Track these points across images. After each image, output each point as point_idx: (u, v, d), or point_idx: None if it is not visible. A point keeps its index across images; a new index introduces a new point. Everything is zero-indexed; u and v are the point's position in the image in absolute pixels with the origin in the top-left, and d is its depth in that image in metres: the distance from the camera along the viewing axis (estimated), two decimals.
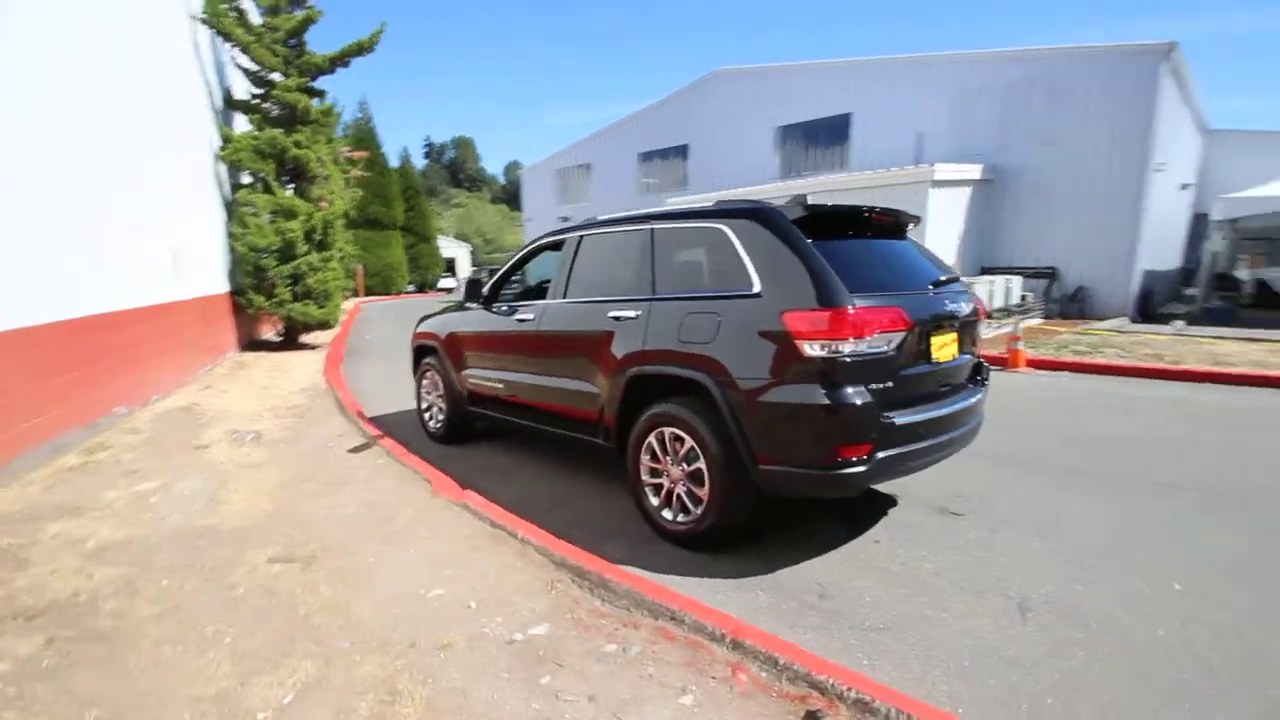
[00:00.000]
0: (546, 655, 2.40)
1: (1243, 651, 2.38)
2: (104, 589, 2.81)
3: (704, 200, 17.19)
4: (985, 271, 15.32)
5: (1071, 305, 14.55)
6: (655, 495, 3.48)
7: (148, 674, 2.22)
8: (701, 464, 3.17)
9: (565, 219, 27.66)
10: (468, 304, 5.25)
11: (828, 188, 15.72)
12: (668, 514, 3.41)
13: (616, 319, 3.62)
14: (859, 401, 2.78)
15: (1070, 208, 14.85)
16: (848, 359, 2.78)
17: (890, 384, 2.92)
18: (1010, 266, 15.33)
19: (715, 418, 3.10)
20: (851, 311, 2.78)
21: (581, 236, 4.18)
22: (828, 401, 2.77)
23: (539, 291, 5.20)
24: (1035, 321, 13.27)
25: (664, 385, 3.42)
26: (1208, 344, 9.09)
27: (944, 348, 3.24)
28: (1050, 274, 15.00)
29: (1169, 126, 14.52)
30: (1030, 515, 3.66)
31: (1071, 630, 2.54)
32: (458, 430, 5.43)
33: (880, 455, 2.86)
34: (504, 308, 4.73)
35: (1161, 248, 16.43)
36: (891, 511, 3.76)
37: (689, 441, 3.22)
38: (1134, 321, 13.69)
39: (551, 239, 4.54)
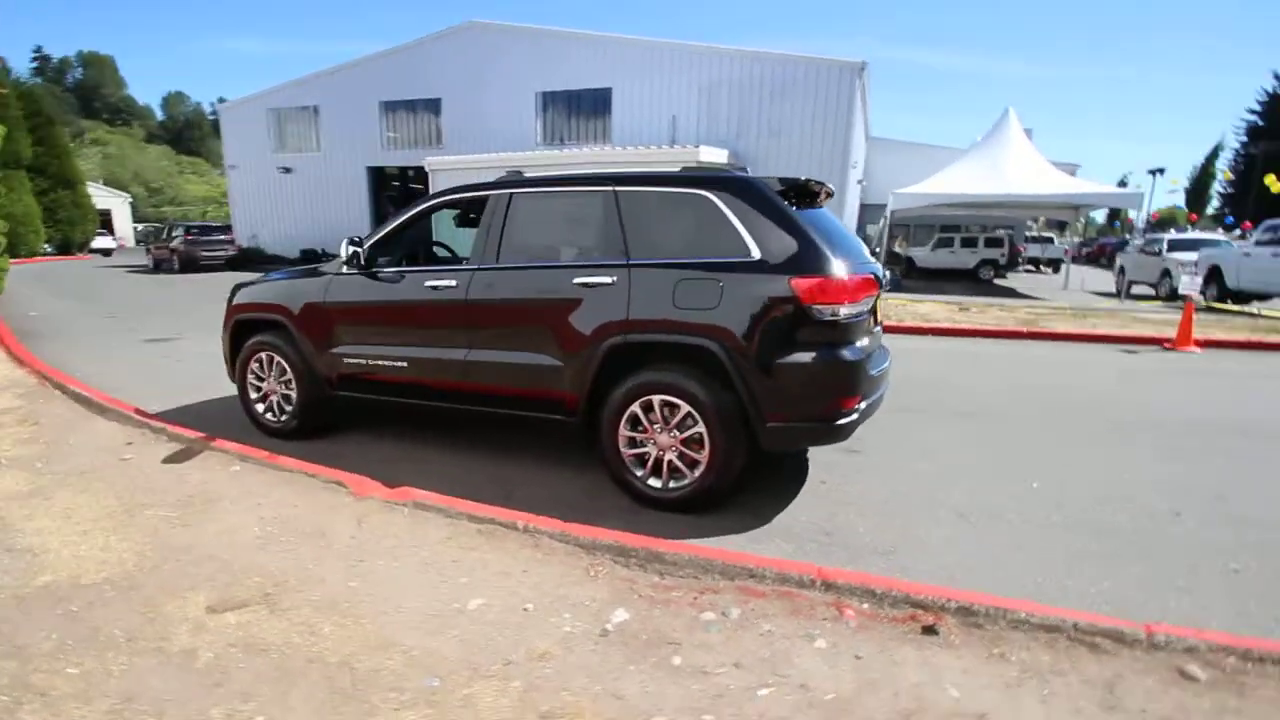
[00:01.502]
0: (653, 639, 2.30)
1: (1105, 523, 3.33)
2: None
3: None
4: None
5: None
6: (639, 466, 3.43)
7: None
8: (701, 428, 3.23)
9: (287, 169, 23.72)
10: (323, 269, 4.38)
11: (598, 160, 16.17)
12: (655, 482, 3.40)
13: (586, 285, 3.42)
14: (858, 358, 3.13)
15: None
16: (845, 320, 3.10)
17: (866, 341, 3.34)
18: None
19: (718, 382, 3.18)
20: (847, 277, 3.09)
21: (512, 195, 3.78)
22: (835, 359, 3.06)
23: (431, 255, 4.61)
24: None
25: (646, 353, 3.37)
26: (911, 305, 11.81)
27: (878, 309, 3.77)
28: None
29: (858, 131, 18.11)
30: (904, 445, 4.48)
31: (1004, 526, 3.27)
32: (314, 421, 4.53)
33: (862, 405, 3.27)
34: (395, 274, 4.05)
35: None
36: (809, 456, 4.27)
37: (684, 407, 3.25)
38: None
39: (460, 196, 4.03)
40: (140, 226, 45.20)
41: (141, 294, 14.60)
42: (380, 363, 4.07)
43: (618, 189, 3.50)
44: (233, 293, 4.74)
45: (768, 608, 2.46)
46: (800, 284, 3.04)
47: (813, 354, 3.06)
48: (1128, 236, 32.03)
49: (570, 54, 19.21)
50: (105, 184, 44.46)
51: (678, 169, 3.53)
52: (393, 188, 25.94)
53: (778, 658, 2.18)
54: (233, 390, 5.35)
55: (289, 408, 4.50)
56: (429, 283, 3.87)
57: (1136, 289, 16.05)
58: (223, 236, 21.65)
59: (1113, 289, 17.44)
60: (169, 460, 4.01)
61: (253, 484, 3.61)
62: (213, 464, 3.92)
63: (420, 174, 21.97)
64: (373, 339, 4.11)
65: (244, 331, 4.63)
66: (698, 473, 3.29)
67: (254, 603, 2.43)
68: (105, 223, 36.47)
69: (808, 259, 3.08)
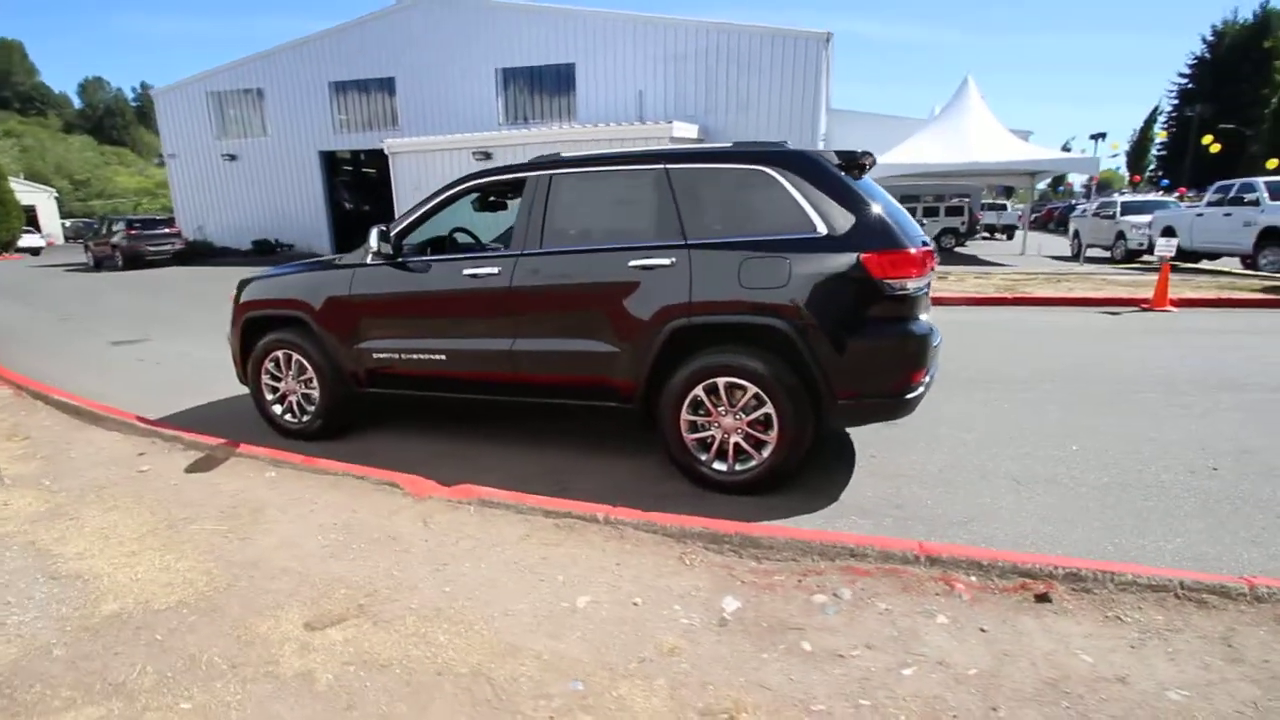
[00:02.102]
0: (773, 625, 2.28)
1: (1152, 482, 3.45)
2: None
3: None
4: None
5: None
6: (703, 450, 3.39)
7: None
8: (768, 408, 3.19)
9: (232, 156, 22.52)
10: (344, 260, 4.16)
11: (568, 138, 15.82)
12: (720, 466, 3.37)
13: (643, 268, 3.32)
14: (925, 331, 3.14)
15: None
16: (913, 293, 3.10)
17: (928, 314, 3.35)
18: None
19: (784, 360, 3.15)
20: (914, 250, 3.08)
21: (552, 176, 3.64)
22: (906, 333, 3.07)
23: (454, 241, 4.43)
24: None
25: (705, 336, 3.30)
26: None
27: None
28: None
29: (824, 103, 18.18)
30: (935, 416, 4.52)
31: (1061, 490, 3.35)
32: (341, 420, 4.34)
33: (927, 379, 3.29)
34: (427, 263, 3.88)
35: None
36: (850, 431, 4.30)
37: (751, 389, 3.20)
38: None
39: (493, 180, 3.86)
40: (68, 223, 42.37)
41: (90, 294, 13.69)
42: (416, 357, 3.90)
43: (669, 166, 3.40)
44: (239, 289, 4.46)
45: (877, 586, 2.47)
46: (871, 258, 3.01)
47: (885, 328, 3.06)
48: (1074, 201, 33.26)
49: (530, 28, 18.66)
50: (26, 178, 41.40)
51: (704, 145, 3.45)
52: (344, 172, 24.92)
53: (906, 636, 2.19)
54: (228, 391, 5.12)
55: (311, 407, 4.29)
56: (467, 271, 3.71)
57: (1091, 251, 16.68)
58: (167, 230, 20.41)
59: (1068, 252, 18.09)
60: (194, 469, 3.78)
61: (296, 490, 3.43)
62: (244, 471, 3.71)
63: (373, 157, 21.18)
64: (407, 332, 3.92)
65: (256, 329, 4.38)
66: (766, 454, 3.26)
67: (351, 616, 2.30)
68: (30, 220, 34.04)
69: (874, 233, 3.06)
